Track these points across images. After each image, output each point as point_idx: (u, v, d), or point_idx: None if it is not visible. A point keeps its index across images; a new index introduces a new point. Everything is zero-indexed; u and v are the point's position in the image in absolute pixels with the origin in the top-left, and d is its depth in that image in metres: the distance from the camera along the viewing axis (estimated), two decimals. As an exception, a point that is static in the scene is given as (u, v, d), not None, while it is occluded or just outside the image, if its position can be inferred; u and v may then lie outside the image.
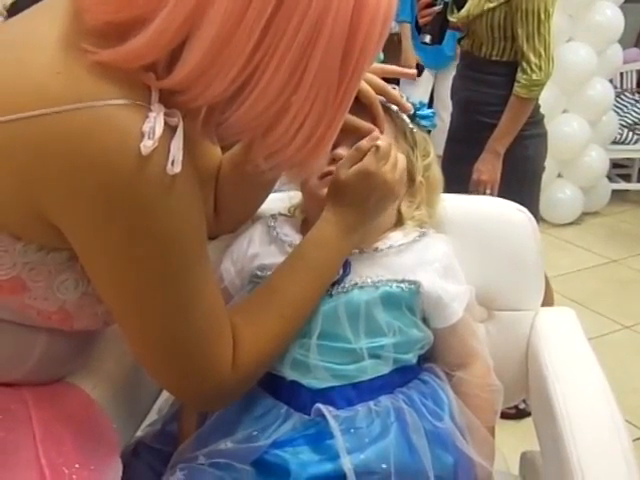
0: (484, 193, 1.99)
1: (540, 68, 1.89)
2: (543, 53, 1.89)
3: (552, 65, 1.92)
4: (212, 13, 0.62)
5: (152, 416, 1.07)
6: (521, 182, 2.02)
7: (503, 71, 1.98)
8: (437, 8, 2.06)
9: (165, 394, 1.08)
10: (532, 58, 1.89)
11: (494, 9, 1.93)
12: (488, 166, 1.99)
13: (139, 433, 1.03)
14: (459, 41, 2.16)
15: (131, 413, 1.02)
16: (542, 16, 1.86)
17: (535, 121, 2.03)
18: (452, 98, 2.24)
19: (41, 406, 0.80)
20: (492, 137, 1.98)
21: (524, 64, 1.91)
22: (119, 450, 0.88)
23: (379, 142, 0.90)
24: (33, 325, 0.77)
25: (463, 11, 2.02)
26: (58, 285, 0.73)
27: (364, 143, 0.91)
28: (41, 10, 0.72)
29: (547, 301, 1.51)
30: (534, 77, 1.90)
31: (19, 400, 0.79)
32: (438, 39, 2.15)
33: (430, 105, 3.55)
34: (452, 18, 2.09)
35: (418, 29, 2.17)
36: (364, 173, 0.89)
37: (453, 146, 2.19)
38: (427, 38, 2.13)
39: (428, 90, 3.62)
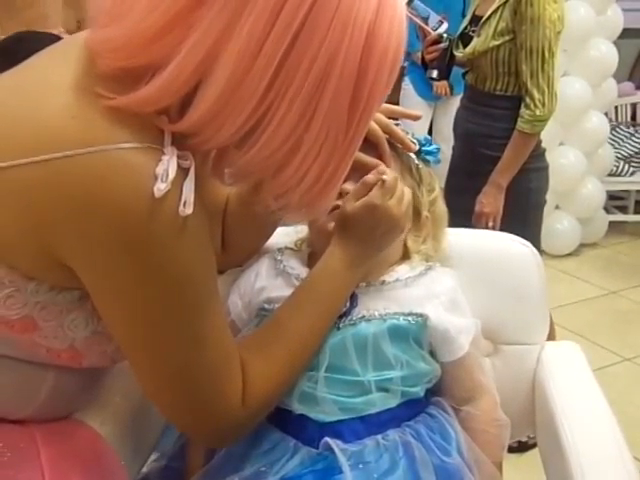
0: (486, 226, 2.00)
1: (543, 104, 1.91)
2: (546, 89, 1.91)
3: (555, 101, 1.94)
4: (224, 59, 0.63)
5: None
6: (524, 215, 2.03)
7: (507, 105, 2.00)
8: (443, 45, 2.10)
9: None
10: (536, 94, 1.91)
11: (499, 46, 1.96)
12: (490, 199, 2.00)
13: (144, 469, 1.02)
14: (463, 75, 2.19)
15: (138, 449, 1.01)
16: (546, 54, 1.89)
17: (537, 154, 2.04)
18: (455, 130, 2.26)
19: (50, 444, 0.80)
20: (495, 170, 1.99)
21: (527, 100, 1.93)
22: (126, 487, 0.88)
23: (385, 176, 0.91)
24: (42, 362, 0.77)
25: (469, 48, 2.05)
26: (68, 324, 0.73)
27: (370, 177, 0.91)
28: (53, 55, 0.73)
29: (550, 334, 1.51)
30: (537, 113, 1.92)
31: (28, 438, 0.79)
32: (445, 74, 2.19)
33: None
34: (457, 53, 2.12)
35: (424, 65, 2.21)
36: (370, 207, 0.90)
37: (456, 178, 2.20)
38: (434, 73, 2.18)
39: (427, 122, 3.64)
